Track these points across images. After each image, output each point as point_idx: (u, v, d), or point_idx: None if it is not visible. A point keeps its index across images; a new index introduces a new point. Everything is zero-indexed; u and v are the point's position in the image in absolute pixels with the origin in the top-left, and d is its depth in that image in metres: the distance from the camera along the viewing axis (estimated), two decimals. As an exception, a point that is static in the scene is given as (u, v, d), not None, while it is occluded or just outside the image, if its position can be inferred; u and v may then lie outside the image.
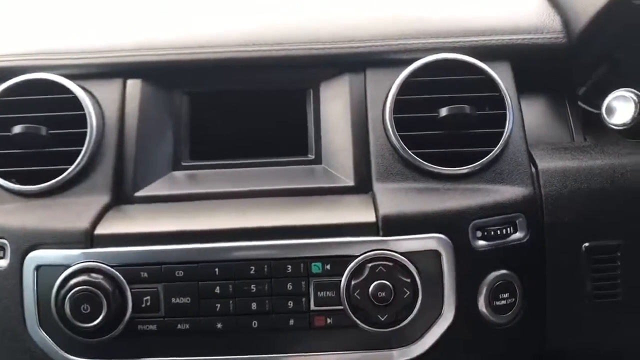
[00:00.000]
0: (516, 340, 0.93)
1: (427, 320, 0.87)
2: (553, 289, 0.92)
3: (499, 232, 0.90)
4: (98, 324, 0.83)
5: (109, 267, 0.85)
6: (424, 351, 0.87)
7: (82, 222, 0.88)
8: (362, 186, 0.96)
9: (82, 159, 0.96)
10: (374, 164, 0.96)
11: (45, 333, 0.87)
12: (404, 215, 0.87)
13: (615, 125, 0.98)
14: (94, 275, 0.84)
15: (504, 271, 0.90)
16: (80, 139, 0.97)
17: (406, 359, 0.87)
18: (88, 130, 0.97)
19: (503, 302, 0.90)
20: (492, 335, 0.91)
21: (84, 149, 0.96)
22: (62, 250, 0.87)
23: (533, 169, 0.95)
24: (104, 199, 0.94)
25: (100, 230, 0.88)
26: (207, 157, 1.03)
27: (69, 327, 0.84)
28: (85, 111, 0.97)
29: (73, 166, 0.95)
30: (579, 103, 1.10)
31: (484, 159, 0.94)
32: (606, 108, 0.99)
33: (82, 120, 0.97)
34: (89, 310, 0.83)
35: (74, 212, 0.91)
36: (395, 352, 0.87)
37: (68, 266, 0.85)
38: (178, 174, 1.02)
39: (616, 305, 0.94)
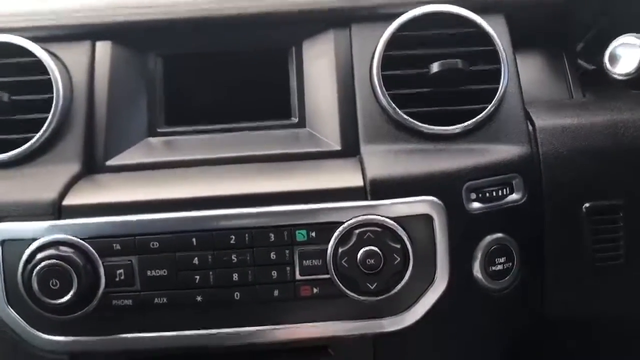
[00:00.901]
0: (513, 307, 0.88)
1: (418, 287, 0.82)
2: (552, 252, 0.88)
3: (494, 193, 0.85)
4: (69, 300, 0.78)
5: (79, 240, 0.80)
6: (416, 320, 0.82)
7: (49, 193, 0.82)
8: (349, 150, 0.90)
9: (48, 127, 0.90)
10: (361, 126, 0.90)
11: (15, 311, 0.82)
12: (394, 178, 0.82)
13: (619, 75, 0.92)
14: (62, 248, 0.79)
15: (499, 235, 0.85)
16: (46, 106, 0.90)
17: (397, 328, 0.82)
18: (54, 95, 0.90)
19: (499, 267, 0.85)
20: (488, 303, 0.86)
21: (50, 115, 0.90)
22: (28, 222, 0.81)
23: (530, 127, 0.90)
24: (73, 168, 0.89)
25: (68, 200, 0.82)
26: (183, 122, 0.97)
27: (38, 304, 0.79)
28: (51, 75, 0.91)
29: (39, 134, 0.89)
30: (578, 60, 1.05)
31: (478, 117, 0.88)
32: (609, 56, 0.93)
33: (48, 86, 0.91)
34: (58, 285, 0.78)
35: (41, 183, 0.85)
36: (385, 321, 0.82)
37: (35, 239, 0.79)
38: (153, 140, 0.96)
39: (618, 268, 0.90)
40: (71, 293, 0.78)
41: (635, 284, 0.91)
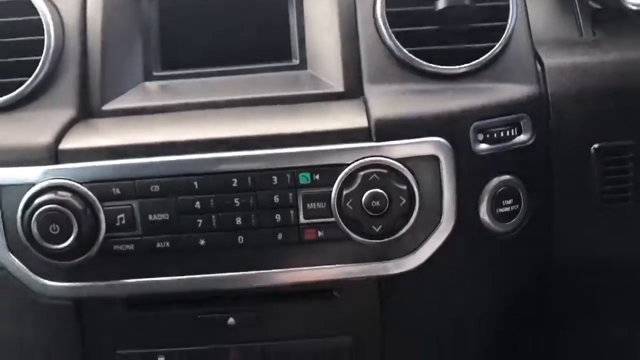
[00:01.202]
0: (520, 250, 0.87)
1: (424, 230, 0.81)
2: (559, 194, 0.87)
3: (502, 134, 0.83)
4: (70, 245, 0.77)
5: (77, 184, 0.78)
6: (421, 263, 0.81)
7: (45, 137, 0.80)
8: (353, 91, 0.88)
9: (41, 70, 0.87)
10: (365, 66, 0.87)
11: (16, 257, 0.81)
12: (399, 119, 0.80)
13: (636, 4, 0.88)
14: (61, 193, 0.77)
15: (507, 177, 0.84)
16: (38, 49, 0.87)
17: (402, 271, 0.81)
18: (45, 37, 0.87)
19: (506, 209, 0.84)
20: (494, 246, 0.85)
21: (42, 58, 0.86)
22: (24, 168, 0.79)
23: (538, 66, 0.87)
24: (68, 112, 0.86)
25: (65, 144, 0.80)
26: (181, 66, 0.94)
27: (39, 249, 0.78)
28: (41, 15, 0.87)
29: (32, 78, 0.86)
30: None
31: (485, 56, 0.85)
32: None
33: (39, 27, 0.87)
34: (58, 230, 0.76)
35: (36, 127, 0.82)
36: (390, 264, 0.81)
37: (32, 184, 0.78)
38: (149, 84, 0.93)
39: (626, 209, 0.88)
40: (72, 238, 0.77)
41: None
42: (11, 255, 0.81)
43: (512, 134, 0.84)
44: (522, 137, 0.85)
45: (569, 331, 1.20)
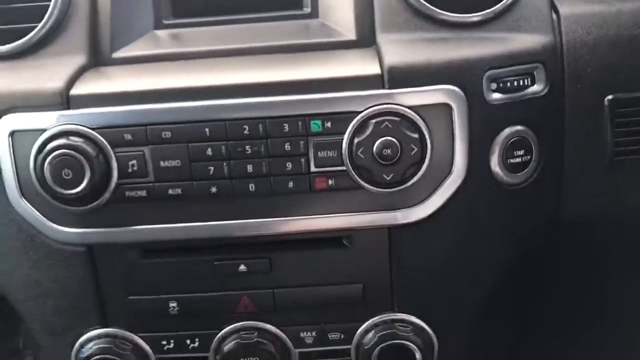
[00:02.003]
0: (530, 202, 0.87)
1: (435, 179, 0.81)
2: (571, 145, 0.86)
3: (515, 84, 0.82)
4: (82, 190, 0.77)
5: (89, 130, 0.78)
6: (432, 212, 0.82)
7: (55, 82, 0.80)
8: (365, 40, 0.87)
9: (50, 16, 0.86)
10: (378, 14, 0.86)
11: (29, 203, 0.82)
12: (412, 66, 0.79)
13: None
14: (73, 138, 0.77)
15: (519, 127, 0.83)
16: None
17: (412, 220, 0.82)
18: None
19: (518, 159, 0.84)
20: (504, 196, 0.85)
21: (51, 4, 0.86)
22: (36, 113, 0.79)
23: (554, 15, 0.86)
24: (79, 59, 0.86)
25: (76, 90, 0.80)
26: (191, 14, 0.92)
27: (52, 194, 0.78)
28: None
29: (41, 24, 0.86)
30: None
31: (500, 4, 0.84)
32: None
33: None
34: (71, 176, 0.77)
35: (47, 73, 0.82)
36: (400, 213, 0.82)
37: (44, 130, 0.78)
38: (160, 33, 0.92)
39: (638, 163, 0.88)
40: (84, 183, 0.77)
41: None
42: (24, 200, 0.82)
43: (526, 83, 0.83)
44: (536, 87, 0.84)
45: (574, 283, 1.21)
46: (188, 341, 0.88)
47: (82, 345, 0.88)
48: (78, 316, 0.88)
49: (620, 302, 1.28)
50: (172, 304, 0.86)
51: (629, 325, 1.35)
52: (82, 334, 0.88)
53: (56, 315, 0.88)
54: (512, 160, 0.84)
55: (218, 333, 0.88)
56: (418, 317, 0.87)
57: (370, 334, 0.86)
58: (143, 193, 0.80)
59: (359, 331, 0.87)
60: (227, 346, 0.86)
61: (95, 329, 0.88)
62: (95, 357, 0.86)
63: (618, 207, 0.92)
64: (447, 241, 0.85)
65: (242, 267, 0.85)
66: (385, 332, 0.85)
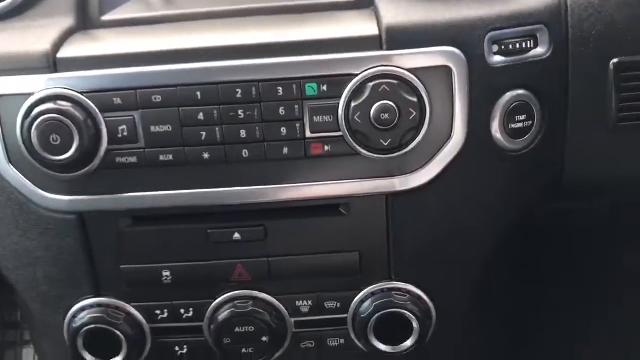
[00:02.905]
0: (531, 168, 0.85)
1: (434, 145, 0.79)
2: (574, 110, 0.83)
3: (517, 46, 0.79)
4: (71, 156, 0.75)
5: (77, 94, 0.76)
6: (430, 179, 0.79)
7: (42, 45, 0.77)
8: (363, 0, 0.84)
9: None
10: None
11: (17, 170, 0.80)
12: (411, 26, 0.76)
13: None
14: (60, 102, 0.75)
15: (521, 91, 0.80)
16: None
17: (411, 187, 0.80)
18: None
19: (519, 125, 0.81)
20: (505, 163, 0.83)
21: None
22: (22, 76, 0.76)
23: None
24: (66, 22, 0.82)
25: (64, 53, 0.77)
26: None
27: (40, 161, 0.76)
28: None
29: None
30: None
31: None
32: None
33: None
34: (59, 141, 0.75)
35: (33, 36, 0.79)
36: (397, 181, 0.79)
37: (31, 94, 0.75)
38: None
39: (642, 129, 0.87)
40: (73, 149, 0.75)
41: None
42: (12, 167, 0.80)
43: (529, 46, 0.80)
44: (539, 50, 0.81)
45: (573, 255, 1.21)
46: (182, 310, 0.87)
47: (74, 315, 0.87)
48: (70, 285, 0.86)
49: (619, 274, 1.28)
50: (166, 273, 0.84)
51: (629, 297, 1.35)
52: (75, 304, 0.87)
53: (48, 285, 0.87)
54: (513, 126, 0.81)
55: (212, 302, 0.86)
56: (415, 285, 0.85)
57: (366, 303, 0.85)
58: (133, 159, 0.78)
59: (355, 300, 0.86)
60: (222, 315, 0.85)
61: (88, 298, 0.86)
62: (88, 327, 0.85)
63: (621, 174, 0.89)
64: (446, 209, 0.83)
65: (237, 236, 0.83)
66: (382, 301, 0.84)
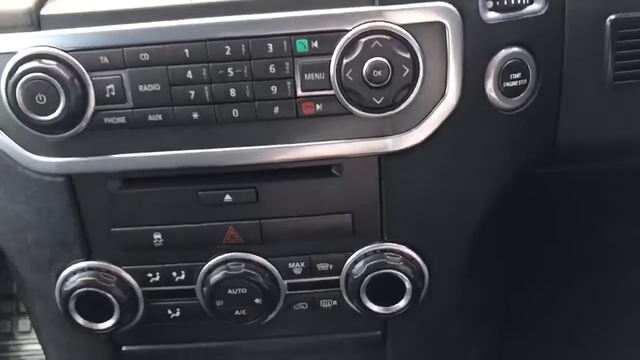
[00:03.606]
0: (526, 127, 0.84)
1: (427, 104, 0.77)
2: (570, 68, 0.82)
3: (512, 2, 0.78)
4: (58, 116, 0.74)
5: (63, 52, 0.74)
6: (424, 139, 0.78)
7: (25, 2, 0.75)
8: None
9: None
10: None
11: (3, 132, 0.79)
12: None
13: None
14: (45, 61, 0.73)
15: (516, 49, 0.79)
16: None
17: (404, 147, 0.79)
18: None
19: (514, 83, 0.80)
20: (500, 122, 0.82)
21: None
22: (4, 34, 0.75)
23: None
24: None
25: (47, 10, 0.75)
26: None
27: (26, 121, 0.75)
28: None
29: None
30: None
31: None
32: None
33: None
34: (45, 101, 0.73)
35: None
36: (390, 141, 0.78)
37: (15, 53, 0.74)
38: None
39: (638, 89, 0.85)
40: (59, 109, 0.74)
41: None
42: None
43: (524, 2, 0.79)
44: (535, 6, 0.79)
45: (568, 219, 1.21)
46: (174, 273, 0.87)
47: (65, 279, 0.86)
48: (61, 249, 0.86)
49: (605, 246, 1.29)
50: (157, 236, 0.84)
51: (623, 260, 1.35)
52: (66, 267, 0.86)
53: (38, 249, 0.86)
54: (507, 84, 0.80)
55: (204, 265, 0.86)
56: (408, 246, 0.85)
57: (359, 264, 0.84)
58: (122, 120, 0.77)
59: (348, 261, 0.86)
60: (214, 277, 0.85)
61: (79, 261, 0.86)
62: (79, 290, 0.85)
63: (616, 134, 0.89)
64: (439, 169, 0.82)
65: (227, 197, 0.82)
66: (374, 262, 0.83)
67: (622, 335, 1.33)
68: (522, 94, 0.81)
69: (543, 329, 1.32)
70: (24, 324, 1.66)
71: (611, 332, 1.32)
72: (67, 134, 0.77)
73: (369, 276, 0.83)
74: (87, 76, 0.75)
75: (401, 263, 0.84)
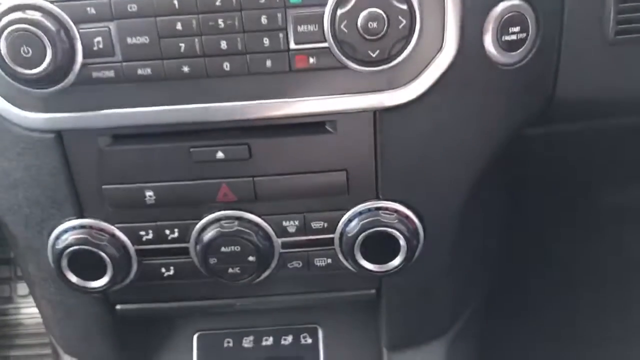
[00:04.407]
0: (525, 83, 0.82)
1: (424, 57, 0.76)
2: (570, 22, 0.80)
3: None
4: (44, 70, 0.72)
5: (47, 2, 0.71)
6: (420, 94, 0.77)
7: None
8: None
9: None
10: None
11: None
12: None
13: None
14: (30, 12, 0.71)
15: (515, 1, 0.77)
16: None
17: (399, 103, 0.77)
18: None
19: (513, 37, 0.78)
20: (498, 77, 0.80)
21: None
22: None
23: None
24: None
25: None
26: None
27: (12, 75, 0.73)
28: None
29: None
30: None
31: None
32: None
33: None
34: (30, 53, 0.71)
35: None
36: (386, 95, 0.77)
37: None
38: None
39: (639, 44, 0.83)
40: (46, 62, 0.72)
41: (656, 59, 0.85)
42: None
43: None
44: (535, -43, 0.77)
45: (564, 179, 1.20)
46: (167, 231, 0.86)
47: (58, 237, 0.85)
48: (52, 207, 0.85)
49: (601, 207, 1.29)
50: (149, 193, 0.83)
51: (616, 222, 1.35)
52: (58, 225, 0.85)
53: (29, 206, 0.85)
54: (506, 38, 0.78)
55: (197, 223, 0.85)
56: (403, 204, 0.84)
57: (353, 222, 0.84)
58: (111, 74, 0.75)
59: (342, 220, 0.85)
60: (208, 235, 0.84)
61: (71, 219, 0.85)
62: (72, 248, 0.84)
63: (616, 90, 0.87)
64: (435, 125, 0.81)
65: (220, 154, 0.81)
66: (368, 220, 0.83)
67: (615, 290, 1.34)
68: (521, 48, 0.79)
69: (536, 289, 1.33)
70: (23, 287, 1.67)
71: (607, 291, 1.34)
72: (54, 88, 0.75)
73: (363, 234, 0.83)
74: (74, 28, 0.73)
75: (396, 221, 0.83)
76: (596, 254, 1.38)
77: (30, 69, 0.72)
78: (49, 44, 0.71)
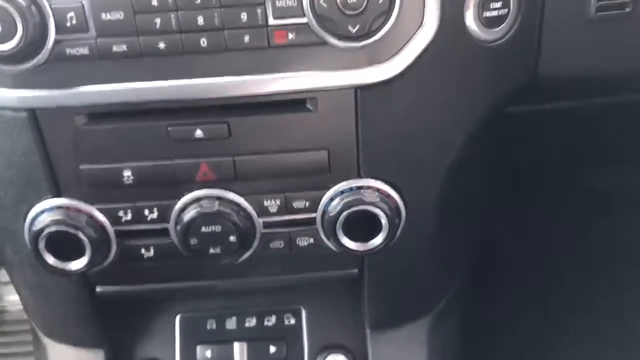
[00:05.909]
0: (506, 60, 0.82)
1: (405, 33, 0.74)
2: None
3: None
4: (16, 46, 0.70)
5: None
6: (401, 71, 0.76)
7: None
8: None
9: None
10: None
11: None
12: None
13: None
14: None
15: None
16: None
17: (380, 80, 0.76)
18: None
19: (494, 12, 0.77)
20: (479, 54, 0.79)
21: None
22: None
23: None
24: None
25: None
26: None
27: None
28: None
29: None
30: None
31: None
32: None
33: None
34: (0, 29, 0.69)
35: None
36: (367, 72, 0.75)
37: None
38: None
39: (623, 20, 0.82)
40: (16, 38, 0.70)
41: (637, 36, 0.85)
42: None
43: None
44: None
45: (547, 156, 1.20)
46: (146, 212, 0.84)
47: (34, 219, 0.84)
48: (27, 187, 0.83)
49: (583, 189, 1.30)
50: (126, 173, 0.81)
51: (601, 204, 1.36)
52: (34, 206, 0.84)
53: (4, 187, 0.83)
54: (488, 14, 0.77)
55: (177, 203, 0.84)
56: (385, 182, 0.83)
57: (335, 201, 0.83)
58: (85, 50, 0.73)
59: (324, 199, 0.84)
60: (187, 215, 0.83)
61: (47, 199, 0.83)
62: (49, 229, 0.82)
63: (597, 67, 0.87)
64: (417, 102, 0.80)
65: (199, 133, 0.79)
66: (350, 199, 0.82)
67: (602, 267, 1.35)
68: (502, 25, 0.79)
69: (520, 269, 1.34)
70: (4, 274, 1.64)
71: (593, 268, 1.35)
72: (27, 65, 0.73)
73: (345, 213, 0.82)
74: (46, 2, 0.71)
75: (378, 199, 0.82)
76: (581, 234, 1.39)
77: (0, 44, 0.70)
78: (19, 18, 0.69)
